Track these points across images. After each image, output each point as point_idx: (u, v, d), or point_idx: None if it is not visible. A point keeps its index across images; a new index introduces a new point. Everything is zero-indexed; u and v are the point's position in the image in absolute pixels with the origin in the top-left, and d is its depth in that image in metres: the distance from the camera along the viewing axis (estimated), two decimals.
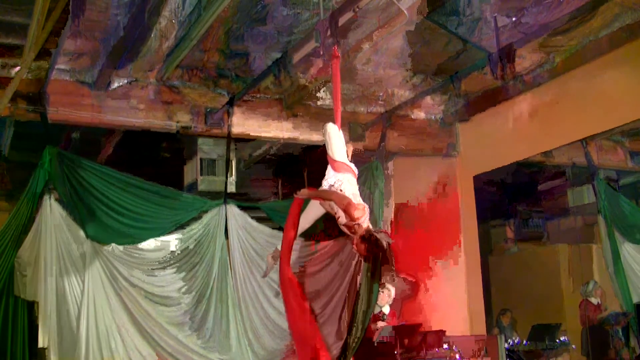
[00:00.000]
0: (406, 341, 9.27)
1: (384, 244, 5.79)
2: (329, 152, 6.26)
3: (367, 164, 10.71)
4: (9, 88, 8.26)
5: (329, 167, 6.28)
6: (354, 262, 10.14)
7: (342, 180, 6.15)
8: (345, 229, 6.00)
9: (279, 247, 6.28)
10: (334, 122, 6.50)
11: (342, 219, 5.93)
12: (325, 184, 6.25)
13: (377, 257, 6.13)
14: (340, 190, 6.07)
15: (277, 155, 12.04)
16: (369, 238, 5.85)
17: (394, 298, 10.48)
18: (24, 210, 8.61)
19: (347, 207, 5.83)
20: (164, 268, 9.54)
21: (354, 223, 5.85)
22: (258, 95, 10.07)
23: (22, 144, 10.37)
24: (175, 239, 9.62)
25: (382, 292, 10.33)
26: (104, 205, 9.04)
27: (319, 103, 10.34)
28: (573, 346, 10.97)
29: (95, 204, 8.97)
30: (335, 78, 6.63)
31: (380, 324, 10.09)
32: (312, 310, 6.51)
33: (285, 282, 6.37)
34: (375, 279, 9.93)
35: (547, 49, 9.12)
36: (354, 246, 5.98)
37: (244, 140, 11.01)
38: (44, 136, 8.81)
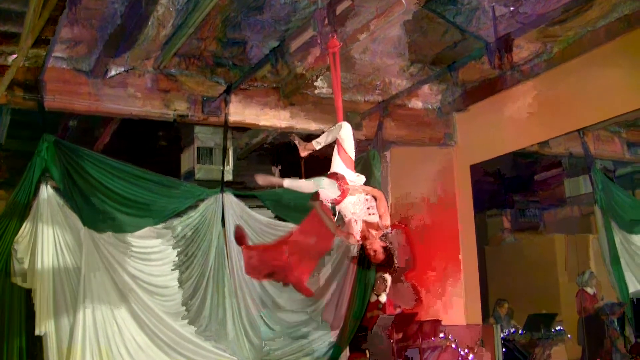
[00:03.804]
0: (402, 330, 9.32)
1: (396, 262, 6.08)
2: (347, 149, 6.29)
3: (364, 152, 10.72)
4: (6, 76, 8.23)
5: (340, 162, 6.29)
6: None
7: (359, 179, 6.26)
8: (365, 228, 6.09)
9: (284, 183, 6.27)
10: (335, 113, 6.58)
11: (372, 218, 6.02)
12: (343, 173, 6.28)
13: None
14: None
15: (275, 144, 12.04)
16: (389, 253, 6.08)
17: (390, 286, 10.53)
18: (21, 198, 8.59)
19: (386, 212, 6.04)
20: (161, 257, 9.55)
21: (381, 229, 6.05)
22: (255, 84, 10.06)
23: (19, 132, 10.36)
24: (172, 227, 9.62)
25: (378, 281, 10.37)
26: (101, 194, 9.03)
27: (316, 92, 10.33)
28: (569, 336, 11.01)
29: (92, 192, 8.96)
30: (334, 70, 6.63)
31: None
32: None
33: None
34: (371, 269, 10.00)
35: (544, 39, 9.11)
36: (370, 249, 6.08)
37: (241, 129, 11.01)
38: (41, 124, 8.80)
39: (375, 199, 6.09)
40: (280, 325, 10.25)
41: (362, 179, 6.28)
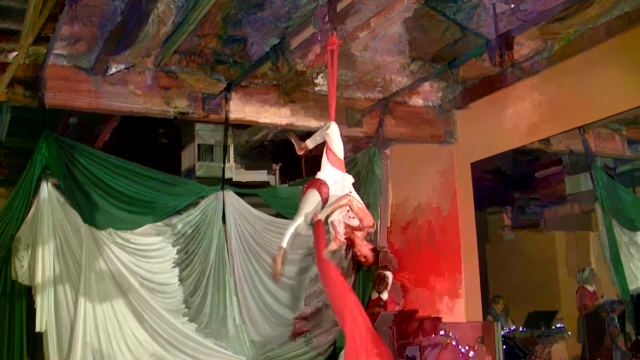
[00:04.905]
0: (403, 327, 9.32)
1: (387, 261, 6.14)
2: (334, 149, 6.30)
3: (364, 150, 10.71)
4: (6, 73, 8.24)
5: (327, 162, 6.30)
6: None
7: (345, 179, 6.27)
8: (349, 231, 6.11)
9: (284, 245, 5.93)
10: (328, 111, 6.58)
11: (353, 221, 6.05)
12: (326, 177, 6.25)
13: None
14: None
15: (275, 142, 12.04)
16: (377, 253, 6.21)
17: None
18: (22, 195, 8.61)
19: (365, 215, 6.04)
20: (161, 254, 9.56)
21: (365, 230, 6.08)
22: (256, 81, 10.05)
23: (19, 130, 10.38)
24: (173, 224, 9.62)
25: (379, 278, 10.37)
26: (101, 191, 9.05)
27: (316, 89, 10.33)
28: (569, 333, 11.00)
29: (92, 189, 8.98)
30: (331, 67, 6.62)
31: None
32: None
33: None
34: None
35: (545, 37, 9.10)
36: (360, 255, 6.11)
37: (242, 126, 11.01)
38: (41, 122, 8.80)
39: (350, 207, 6.10)
40: (280, 323, 10.25)
41: (349, 179, 6.27)
